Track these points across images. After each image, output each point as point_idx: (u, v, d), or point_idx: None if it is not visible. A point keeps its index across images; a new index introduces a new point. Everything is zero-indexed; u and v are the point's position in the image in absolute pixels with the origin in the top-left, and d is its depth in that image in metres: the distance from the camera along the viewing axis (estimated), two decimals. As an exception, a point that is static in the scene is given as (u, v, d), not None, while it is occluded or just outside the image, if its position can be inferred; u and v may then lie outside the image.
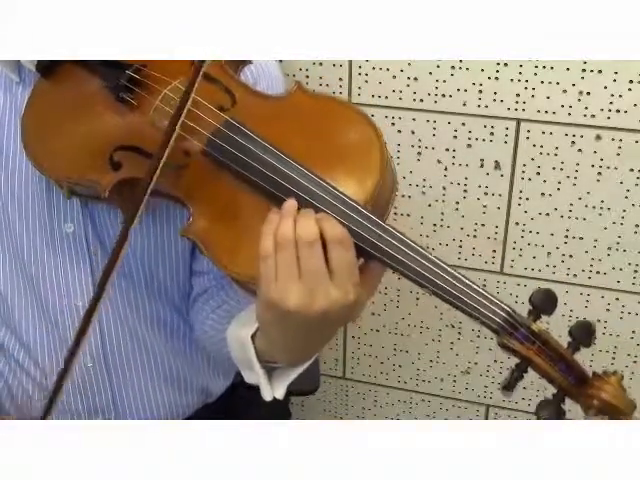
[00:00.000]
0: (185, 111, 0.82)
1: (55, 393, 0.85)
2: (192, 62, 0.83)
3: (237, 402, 1.20)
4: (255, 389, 0.93)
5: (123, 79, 0.88)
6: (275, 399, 0.90)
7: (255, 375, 0.89)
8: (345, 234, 0.75)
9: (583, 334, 0.77)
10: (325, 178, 0.79)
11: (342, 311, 0.76)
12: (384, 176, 0.81)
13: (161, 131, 0.82)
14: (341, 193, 0.78)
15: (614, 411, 0.74)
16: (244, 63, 0.94)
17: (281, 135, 0.82)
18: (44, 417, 0.85)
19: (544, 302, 0.77)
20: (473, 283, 0.77)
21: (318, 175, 0.79)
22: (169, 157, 0.82)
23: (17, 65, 0.94)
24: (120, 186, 0.86)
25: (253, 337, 0.88)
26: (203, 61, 0.82)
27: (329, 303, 0.75)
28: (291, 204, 0.77)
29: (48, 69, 0.91)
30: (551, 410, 0.75)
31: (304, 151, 0.81)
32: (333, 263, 0.75)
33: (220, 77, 0.88)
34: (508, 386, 0.77)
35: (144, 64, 0.89)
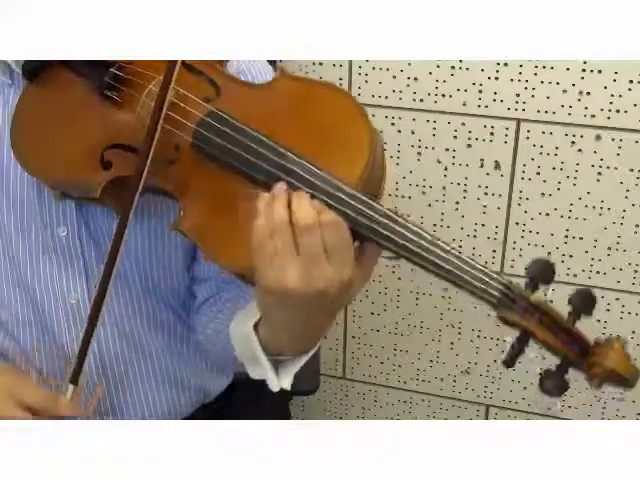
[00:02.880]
0: (165, 105, 0.82)
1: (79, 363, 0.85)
2: (182, 61, 0.83)
3: (236, 402, 1.20)
4: (254, 389, 0.93)
5: (107, 77, 0.88)
6: (275, 399, 0.90)
7: (260, 368, 0.89)
8: (338, 217, 0.75)
9: (583, 302, 0.76)
10: (314, 162, 0.79)
11: (339, 290, 0.76)
12: (373, 156, 0.80)
13: (147, 126, 0.82)
14: (331, 176, 0.78)
15: (618, 379, 0.73)
16: None
17: (267, 122, 0.82)
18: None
19: (541, 272, 0.77)
20: (468, 257, 0.77)
21: (307, 159, 0.79)
22: (159, 152, 0.82)
23: (8, 68, 0.94)
24: (112, 185, 0.86)
25: (256, 328, 0.88)
26: (176, 61, 0.82)
27: (326, 283, 0.75)
28: (281, 186, 0.77)
29: (33, 72, 0.91)
30: (555, 381, 0.74)
31: (291, 136, 0.81)
32: (328, 245, 0.75)
33: (204, 69, 0.88)
34: (509, 360, 0.76)
35: (128, 61, 0.89)
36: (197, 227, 0.83)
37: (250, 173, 0.80)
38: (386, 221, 0.77)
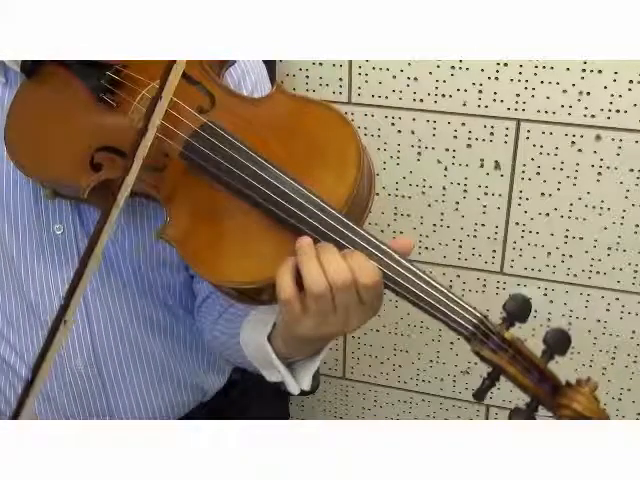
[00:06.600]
0: (156, 113, 0.82)
1: (28, 387, 0.82)
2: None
3: (235, 402, 1.20)
4: (253, 389, 0.93)
5: (103, 80, 0.88)
6: (274, 399, 0.91)
7: (276, 373, 0.90)
8: (378, 276, 0.76)
9: (557, 342, 0.76)
10: (302, 181, 0.79)
11: (369, 319, 0.80)
12: (361, 177, 0.81)
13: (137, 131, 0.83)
14: (316, 196, 0.78)
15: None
16: (228, 64, 0.94)
17: (259, 137, 0.83)
18: (16, 413, 0.83)
19: (517, 309, 0.76)
20: (446, 289, 0.77)
21: (295, 179, 0.79)
22: (147, 158, 0.82)
23: (2, 66, 0.94)
24: (100, 187, 0.86)
25: (269, 338, 0.88)
26: (174, 61, 0.82)
27: (360, 321, 0.79)
28: (307, 243, 0.77)
29: (32, 70, 0.91)
30: (524, 419, 0.75)
31: (282, 154, 0.82)
32: (365, 299, 0.77)
33: (200, 79, 0.88)
34: (479, 394, 0.76)
35: (125, 65, 0.89)
36: (181, 236, 0.84)
37: (237, 186, 0.80)
38: (364, 244, 0.77)
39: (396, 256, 0.77)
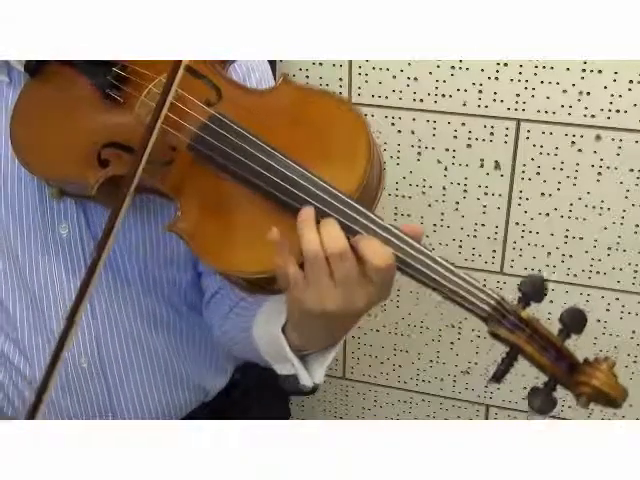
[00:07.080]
0: (166, 107, 0.82)
1: (42, 390, 0.82)
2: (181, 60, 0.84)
3: (236, 402, 1.20)
4: (254, 389, 0.93)
5: (110, 76, 0.88)
6: (275, 399, 0.91)
7: (289, 366, 0.90)
8: (390, 260, 0.75)
9: (574, 320, 0.77)
10: (312, 169, 0.79)
11: (377, 303, 0.79)
12: (371, 166, 0.81)
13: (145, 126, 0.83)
14: (328, 184, 0.78)
15: (605, 398, 0.73)
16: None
17: (267, 128, 0.83)
18: (32, 416, 0.83)
19: (533, 289, 0.77)
20: (461, 271, 0.77)
21: (305, 167, 0.80)
22: (155, 153, 0.82)
23: (6, 66, 0.94)
24: (108, 184, 0.86)
25: (283, 330, 0.88)
26: (179, 64, 0.82)
27: (368, 302, 0.78)
28: (308, 213, 0.77)
29: (36, 69, 0.91)
30: (543, 399, 0.75)
31: (291, 143, 0.82)
32: (375, 279, 0.76)
33: (206, 72, 0.89)
34: (497, 375, 0.76)
35: (131, 61, 0.89)
36: (191, 229, 0.84)
37: (245, 176, 0.80)
38: (375, 228, 0.77)
39: (409, 239, 0.77)
